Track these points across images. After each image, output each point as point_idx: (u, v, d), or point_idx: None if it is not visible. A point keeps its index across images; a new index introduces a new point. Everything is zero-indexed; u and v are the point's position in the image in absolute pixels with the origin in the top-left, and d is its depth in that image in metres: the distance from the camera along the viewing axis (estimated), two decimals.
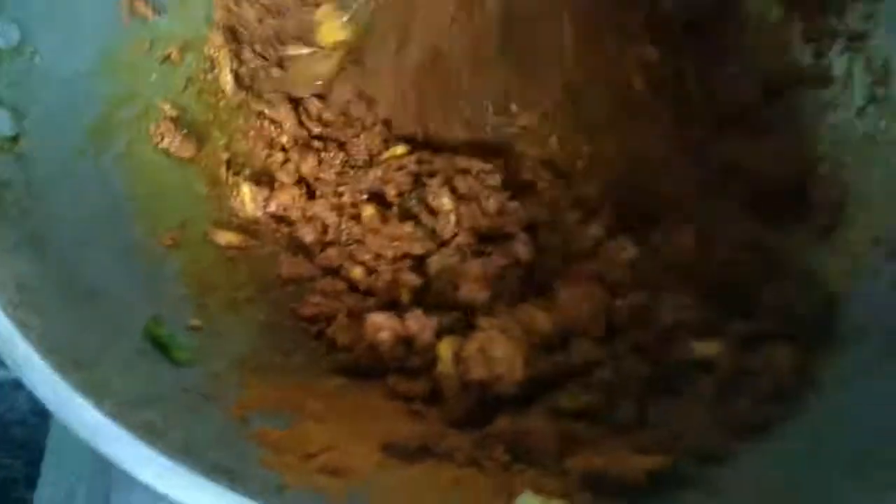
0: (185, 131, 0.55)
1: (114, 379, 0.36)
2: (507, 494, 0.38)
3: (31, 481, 0.68)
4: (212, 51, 0.58)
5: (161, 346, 0.42)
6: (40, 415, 0.72)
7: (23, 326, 0.34)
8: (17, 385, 0.73)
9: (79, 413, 0.33)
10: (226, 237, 0.53)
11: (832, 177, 0.52)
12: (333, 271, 0.54)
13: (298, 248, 0.56)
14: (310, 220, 0.56)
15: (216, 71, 0.58)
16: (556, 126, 0.59)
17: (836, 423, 0.40)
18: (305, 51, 0.58)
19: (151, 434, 0.33)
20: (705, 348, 0.45)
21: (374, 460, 0.40)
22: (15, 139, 0.43)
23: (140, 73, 0.53)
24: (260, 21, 0.58)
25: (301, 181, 0.57)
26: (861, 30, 0.52)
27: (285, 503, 0.32)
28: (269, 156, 0.59)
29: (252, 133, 0.59)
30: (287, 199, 0.56)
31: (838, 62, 0.54)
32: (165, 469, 0.32)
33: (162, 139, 0.53)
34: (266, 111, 0.59)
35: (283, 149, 0.59)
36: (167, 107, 0.55)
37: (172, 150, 0.54)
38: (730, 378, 0.43)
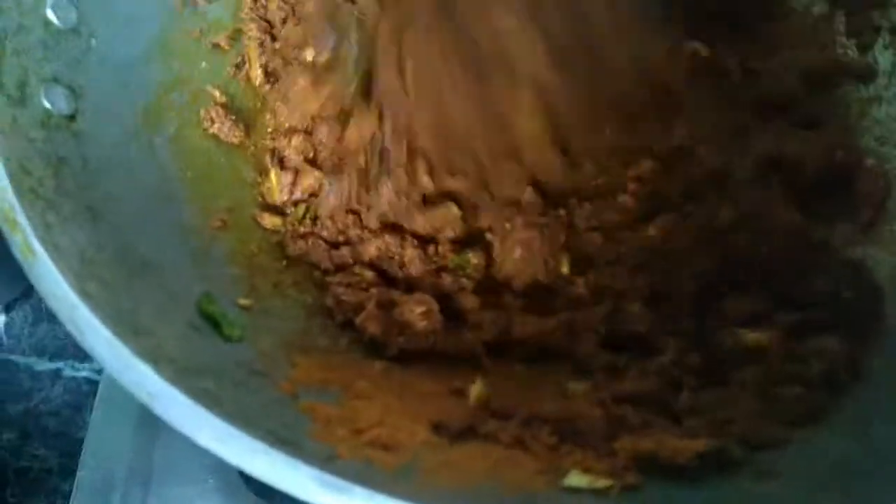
0: (233, 117, 0.55)
1: (170, 348, 0.36)
2: (555, 473, 0.38)
3: (66, 472, 0.69)
4: (245, 42, 0.58)
5: (213, 322, 0.43)
6: (75, 406, 0.72)
7: (85, 294, 0.34)
8: (53, 377, 0.74)
9: (139, 377, 0.33)
10: (272, 221, 0.54)
11: (877, 170, 0.52)
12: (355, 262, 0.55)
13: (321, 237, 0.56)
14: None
15: (246, 65, 0.58)
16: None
17: (884, 412, 0.40)
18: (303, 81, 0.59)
19: (208, 400, 0.33)
20: (756, 338, 0.45)
21: (421, 438, 0.40)
22: (72, 118, 0.44)
23: (191, 59, 0.54)
24: (283, 21, 0.59)
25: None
26: None
27: (337, 471, 0.32)
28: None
29: None
30: (308, 183, 0.56)
31: (883, 57, 0.53)
32: (223, 433, 0.32)
33: (211, 124, 0.54)
34: None
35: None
36: (216, 93, 0.55)
37: (221, 135, 0.55)
38: (780, 367, 0.43)
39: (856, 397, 0.42)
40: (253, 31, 0.57)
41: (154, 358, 0.34)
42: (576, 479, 0.38)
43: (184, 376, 0.34)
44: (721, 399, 0.43)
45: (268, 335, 0.45)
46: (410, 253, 0.52)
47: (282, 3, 0.58)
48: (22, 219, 0.36)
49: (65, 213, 0.39)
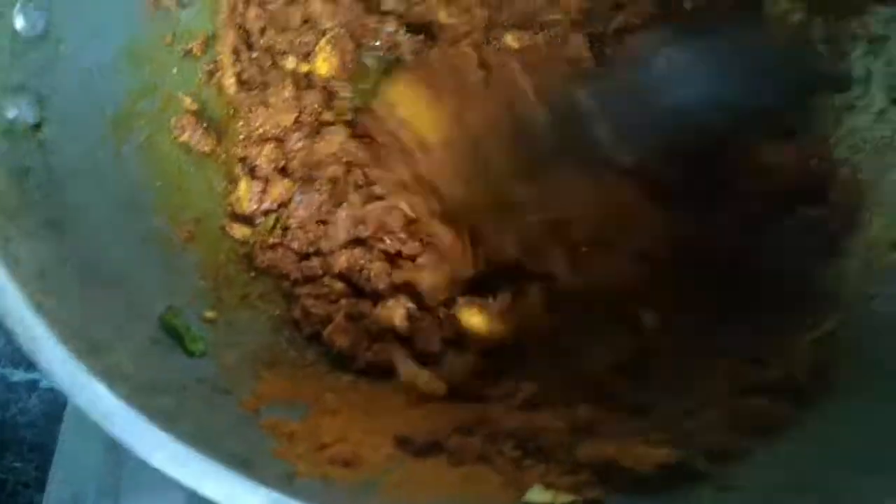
0: (204, 125, 0.55)
1: (128, 365, 0.36)
2: (518, 488, 0.38)
3: (42, 484, 0.68)
4: (219, 49, 0.58)
5: (176, 337, 0.42)
6: (51, 418, 0.72)
7: (40, 310, 0.34)
8: (29, 387, 0.73)
9: (93, 396, 0.33)
10: (241, 231, 0.54)
11: (850, 180, 0.52)
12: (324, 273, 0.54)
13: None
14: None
15: (219, 72, 0.58)
16: None
17: (849, 425, 0.40)
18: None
19: (165, 420, 0.33)
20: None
21: (385, 453, 0.40)
22: (38, 127, 0.43)
23: (162, 65, 0.54)
24: (262, 31, 0.59)
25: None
26: (881, 33, 0.52)
27: (295, 491, 0.32)
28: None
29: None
30: (278, 193, 0.56)
31: (859, 65, 0.53)
32: (178, 454, 0.32)
33: (182, 132, 0.54)
34: None
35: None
36: (188, 100, 0.55)
37: (192, 143, 0.54)
38: (743, 375, 0.43)
39: (820, 408, 0.42)
40: (229, 38, 0.57)
41: (110, 376, 0.34)
42: (538, 494, 0.38)
43: (141, 394, 0.34)
44: (685, 409, 0.43)
45: (233, 349, 0.45)
46: (378, 266, 0.52)
47: (260, 12, 0.58)
48: None
49: (27, 226, 0.38)
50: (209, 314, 0.47)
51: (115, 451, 0.59)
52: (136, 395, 0.34)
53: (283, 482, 0.34)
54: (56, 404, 0.72)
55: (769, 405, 0.42)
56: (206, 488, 0.31)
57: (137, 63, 0.52)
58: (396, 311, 0.50)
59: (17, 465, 0.70)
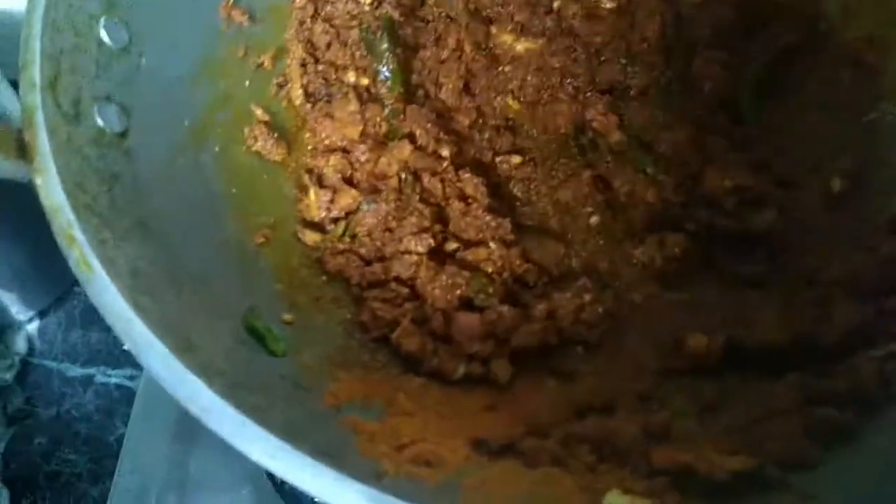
0: (275, 135, 0.56)
1: (220, 362, 0.37)
2: (594, 492, 0.38)
3: (96, 477, 0.71)
4: (288, 62, 0.59)
5: (258, 337, 0.43)
6: (106, 412, 0.74)
7: (139, 309, 0.35)
8: (85, 382, 0.75)
9: (192, 392, 0.34)
10: (312, 237, 0.55)
11: None
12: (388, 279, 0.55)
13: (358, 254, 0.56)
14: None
15: (288, 85, 0.59)
16: None
17: None
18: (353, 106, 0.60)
19: (257, 414, 0.34)
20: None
21: (462, 455, 0.41)
22: (123, 135, 0.45)
23: (236, 78, 0.55)
24: (328, 46, 0.60)
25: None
26: None
27: (384, 489, 0.33)
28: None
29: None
30: (345, 202, 0.57)
31: None
32: (275, 448, 0.33)
33: (255, 142, 0.55)
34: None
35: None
36: (259, 111, 0.56)
37: (264, 152, 0.56)
38: (814, 387, 0.43)
39: (889, 417, 0.41)
40: (297, 52, 0.58)
41: (206, 373, 0.35)
42: (616, 498, 0.38)
43: (234, 391, 0.35)
44: (755, 418, 0.43)
45: (310, 350, 0.46)
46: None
47: (328, 27, 0.59)
48: (79, 235, 0.37)
49: (118, 228, 0.40)
50: (287, 316, 0.48)
51: (182, 445, 0.60)
52: (229, 391, 0.34)
53: (372, 478, 0.34)
54: (110, 399, 0.74)
55: (837, 414, 0.42)
56: (302, 481, 0.32)
57: (213, 75, 0.53)
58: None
59: (72, 457, 0.72)
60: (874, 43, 0.56)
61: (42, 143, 0.38)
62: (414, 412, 0.44)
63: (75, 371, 0.76)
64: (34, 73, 0.40)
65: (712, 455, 0.40)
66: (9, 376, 0.75)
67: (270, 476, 0.59)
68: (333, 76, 0.59)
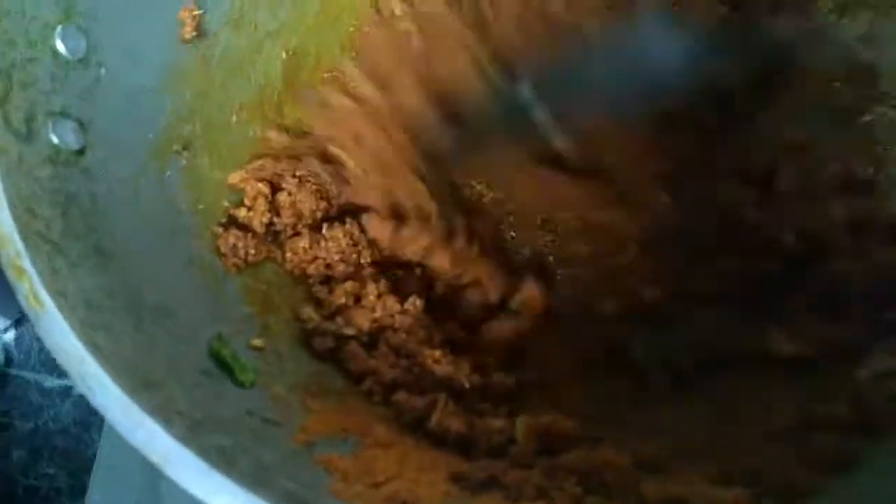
0: None
1: (182, 400, 0.35)
2: None
3: (75, 491, 0.69)
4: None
5: (225, 367, 0.41)
6: (84, 425, 0.73)
7: (93, 347, 0.33)
8: (63, 394, 0.73)
9: (150, 437, 0.32)
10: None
11: None
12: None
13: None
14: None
15: None
16: None
17: None
18: None
19: (223, 459, 0.32)
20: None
21: (441, 490, 0.39)
22: (80, 152, 0.42)
23: (201, 88, 0.52)
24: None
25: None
26: None
27: None
28: None
29: None
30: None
31: None
32: (239, 498, 0.30)
33: None
34: None
35: None
36: None
37: None
38: (815, 411, 0.42)
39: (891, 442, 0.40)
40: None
41: (165, 413, 0.32)
42: None
43: (197, 432, 0.33)
44: (749, 446, 0.41)
45: (281, 379, 0.44)
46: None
47: None
48: (28, 265, 0.34)
49: (73, 256, 0.37)
50: (256, 342, 0.45)
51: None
52: (192, 432, 0.32)
53: None
54: (89, 411, 0.72)
55: (838, 440, 0.40)
56: None
57: (177, 86, 0.50)
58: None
59: (50, 471, 0.72)
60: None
61: None
62: (391, 443, 0.42)
63: (53, 382, 0.75)
64: None
65: (706, 487, 0.38)
66: None
67: None
68: None
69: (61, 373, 0.71)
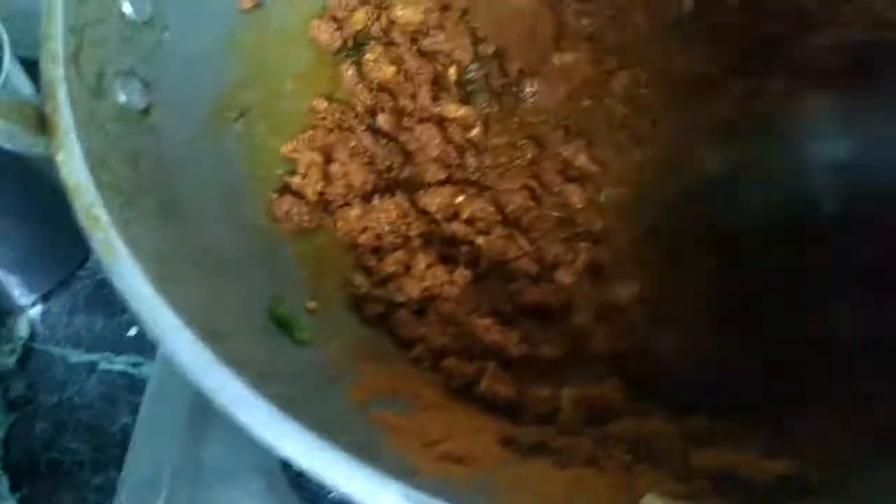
0: None
1: (246, 351, 0.36)
2: (630, 494, 0.37)
3: (97, 466, 0.69)
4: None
5: (284, 325, 0.42)
6: (109, 400, 0.72)
7: (165, 293, 0.34)
8: (88, 369, 0.74)
9: (219, 382, 0.32)
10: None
11: None
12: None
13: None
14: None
15: None
16: None
17: None
18: None
19: (290, 408, 0.32)
20: None
21: (494, 452, 0.39)
22: (146, 112, 0.43)
23: (260, 56, 0.53)
24: None
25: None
26: None
27: (419, 486, 0.31)
28: None
29: None
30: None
31: None
32: (308, 444, 0.31)
33: None
34: None
35: None
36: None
37: None
38: (866, 387, 0.42)
39: None
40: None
41: (234, 362, 0.33)
42: (653, 501, 0.37)
43: (264, 381, 0.33)
44: (804, 419, 0.42)
45: (335, 340, 0.44)
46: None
47: None
48: (103, 215, 0.35)
49: (143, 209, 0.38)
50: (311, 304, 0.46)
51: (194, 437, 0.59)
52: (259, 382, 0.33)
53: (408, 476, 0.33)
54: (114, 386, 0.72)
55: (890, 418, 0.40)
56: (339, 480, 0.31)
57: (237, 53, 0.52)
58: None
59: (74, 445, 0.71)
60: None
61: (65, 117, 0.37)
62: (441, 407, 0.43)
63: (78, 357, 0.74)
64: (57, 45, 0.38)
65: (754, 458, 0.39)
66: (10, 361, 0.73)
67: (285, 468, 0.58)
68: None
69: (87, 347, 0.73)
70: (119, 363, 0.73)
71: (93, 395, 0.73)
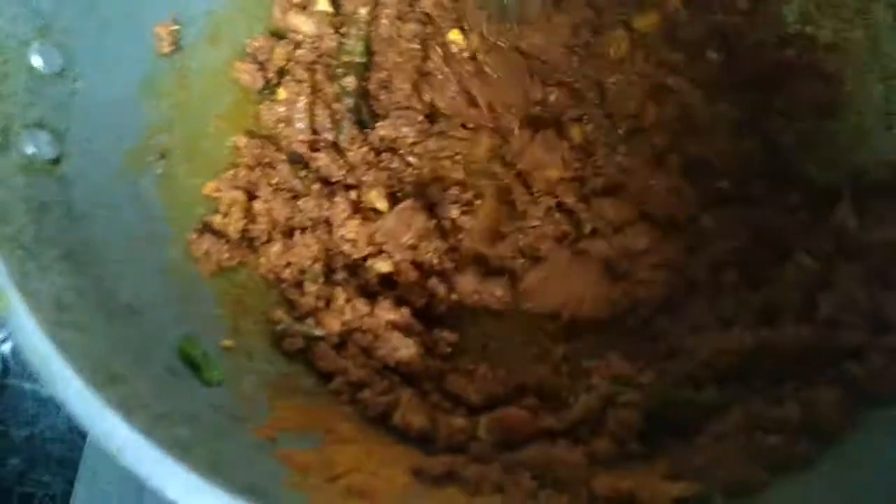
0: None
1: (145, 394, 0.36)
2: None
3: (69, 499, 0.69)
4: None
5: (193, 366, 0.42)
6: (79, 433, 0.72)
7: (61, 344, 0.35)
8: (58, 403, 0.74)
9: (109, 428, 0.33)
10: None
11: None
12: None
13: None
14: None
15: None
16: None
17: (873, 465, 0.39)
18: None
19: (180, 450, 0.33)
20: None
21: (400, 483, 0.40)
22: (56, 162, 0.44)
23: (176, 98, 0.54)
24: None
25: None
26: None
27: None
28: None
29: None
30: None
31: None
32: (193, 486, 0.32)
33: None
34: None
35: None
36: None
37: None
38: (764, 415, 0.42)
39: (842, 447, 0.40)
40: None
41: (127, 406, 0.34)
42: None
43: (157, 424, 0.34)
44: (702, 443, 0.42)
45: (249, 378, 0.45)
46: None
47: None
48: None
49: (44, 260, 0.39)
50: (226, 343, 0.47)
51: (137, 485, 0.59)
52: (152, 424, 0.34)
53: None
54: None
55: (787, 443, 0.41)
56: None
57: (152, 97, 0.52)
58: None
59: (46, 479, 0.72)
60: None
61: None
62: (355, 439, 0.43)
63: (46, 391, 0.75)
64: None
65: (655, 482, 0.39)
66: None
67: None
68: None
69: None
70: None
71: (63, 428, 0.74)
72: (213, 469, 0.33)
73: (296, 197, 0.55)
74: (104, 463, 0.62)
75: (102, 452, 0.59)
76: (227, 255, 0.51)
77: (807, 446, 0.40)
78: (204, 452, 0.34)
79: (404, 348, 0.50)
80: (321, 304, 0.51)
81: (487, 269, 0.57)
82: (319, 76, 0.59)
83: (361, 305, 0.51)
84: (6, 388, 0.76)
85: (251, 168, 0.55)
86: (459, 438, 0.45)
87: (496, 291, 0.55)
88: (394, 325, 0.51)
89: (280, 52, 0.58)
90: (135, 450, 0.33)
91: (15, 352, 0.77)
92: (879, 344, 0.42)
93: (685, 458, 0.41)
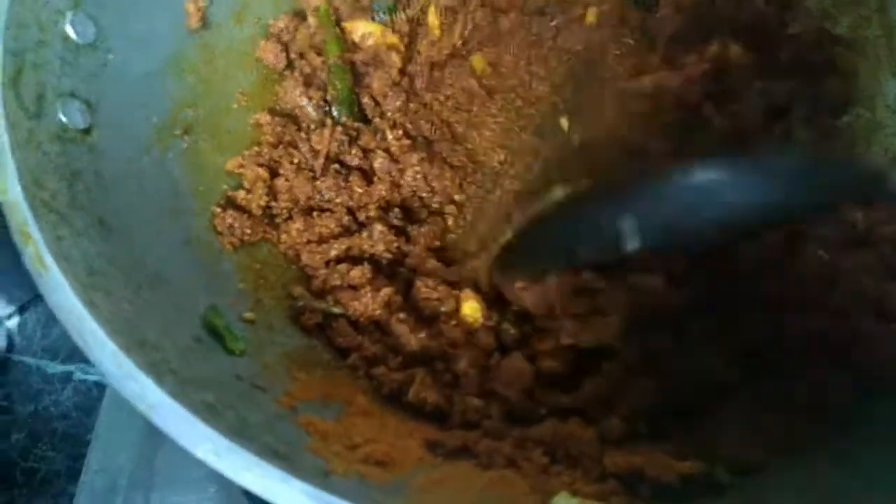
0: None
1: (173, 361, 0.37)
2: (544, 494, 0.39)
3: (73, 474, 0.69)
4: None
5: (217, 336, 0.43)
6: (84, 409, 0.73)
7: (92, 306, 0.35)
8: (64, 379, 0.74)
9: (140, 389, 0.34)
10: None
11: None
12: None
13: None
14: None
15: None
16: None
17: (878, 448, 0.40)
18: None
19: (207, 413, 0.34)
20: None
21: (416, 455, 0.41)
22: (87, 131, 0.45)
23: (204, 75, 0.55)
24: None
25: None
26: None
27: (330, 487, 0.33)
28: None
29: None
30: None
31: None
32: (220, 447, 0.33)
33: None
34: None
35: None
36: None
37: None
38: (772, 398, 0.43)
39: (852, 433, 0.41)
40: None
41: (157, 370, 0.35)
42: (564, 500, 0.39)
43: (185, 388, 0.35)
44: (710, 423, 0.43)
45: (270, 349, 0.46)
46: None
47: None
48: (35, 231, 0.37)
49: (77, 226, 0.40)
50: (248, 315, 0.48)
51: (149, 444, 0.60)
52: (180, 388, 0.35)
53: (318, 477, 0.35)
54: (89, 396, 0.74)
55: (793, 425, 0.42)
56: (245, 479, 0.32)
57: (181, 72, 0.53)
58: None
59: (50, 454, 0.71)
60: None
61: (2, 138, 0.39)
62: (372, 412, 0.44)
63: (54, 368, 0.75)
64: None
65: (663, 459, 0.40)
66: None
67: None
68: None
69: (63, 358, 0.73)
70: (94, 374, 0.74)
71: (68, 404, 0.74)
72: (239, 433, 0.34)
73: (317, 177, 0.56)
74: (117, 435, 0.63)
75: (115, 425, 0.62)
76: (249, 231, 0.52)
77: (814, 429, 0.41)
78: (229, 417, 0.36)
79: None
80: (340, 282, 0.52)
81: None
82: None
83: (379, 285, 0.52)
84: (11, 363, 0.76)
85: (273, 146, 0.56)
86: (473, 417, 0.46)
87: None
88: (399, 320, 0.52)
89: (303, 33, 0.59)
90: (165, 410, 0.34)
91: (21, 327, 0.78)
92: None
93: (692, 439, 0.42)
